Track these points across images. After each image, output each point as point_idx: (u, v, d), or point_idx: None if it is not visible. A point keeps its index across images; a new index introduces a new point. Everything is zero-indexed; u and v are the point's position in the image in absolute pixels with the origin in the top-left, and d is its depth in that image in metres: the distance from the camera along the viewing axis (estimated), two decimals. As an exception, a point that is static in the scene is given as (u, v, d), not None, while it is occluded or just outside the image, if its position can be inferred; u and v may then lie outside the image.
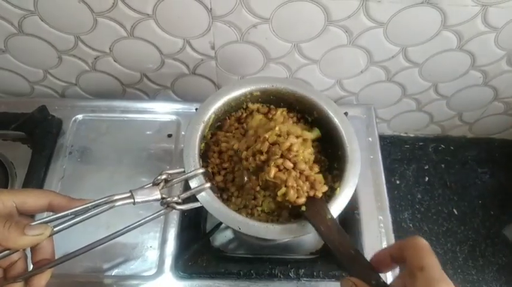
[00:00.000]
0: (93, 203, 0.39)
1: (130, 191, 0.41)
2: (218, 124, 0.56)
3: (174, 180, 0.45)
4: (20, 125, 0.67)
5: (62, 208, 0.38)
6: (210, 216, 0.55)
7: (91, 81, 0.75)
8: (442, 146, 0.90)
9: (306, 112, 0.57)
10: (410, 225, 0.80)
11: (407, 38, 0.64)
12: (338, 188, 0.49)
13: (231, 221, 0.46)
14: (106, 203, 0.39)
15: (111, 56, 0.69)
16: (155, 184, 0.43)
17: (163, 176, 0.44)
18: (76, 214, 0.38)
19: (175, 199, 0.44)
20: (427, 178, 0.86)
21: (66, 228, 0.37)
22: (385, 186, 0.66)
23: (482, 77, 0.73)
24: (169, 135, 0.70)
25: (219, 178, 0.53)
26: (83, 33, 0.64)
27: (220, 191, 0.52)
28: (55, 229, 0.37)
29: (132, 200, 0.40)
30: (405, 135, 0.91)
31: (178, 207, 0.44)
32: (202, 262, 0.57)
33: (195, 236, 0.60)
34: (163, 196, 0.43)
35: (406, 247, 0.35)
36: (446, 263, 0.76)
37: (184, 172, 0.47)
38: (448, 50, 0.66)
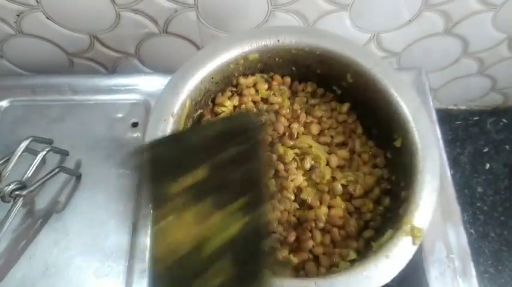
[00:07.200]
0: None
1: None
2: (200, 112, 0.35)
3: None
4: None
5: None
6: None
7: (19, 49, 0.53)
8: (504, 120, 0.70)
9: (332, 80, 0.36)
10: (472, 231, 0.60)
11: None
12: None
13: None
14: None
15: (40, 10, 0.47)
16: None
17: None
18: None
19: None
20: (488, 165, 0.66)
21: None
22: (452, 187, 0.46)
23: None
24: (135, 125, 0.50)
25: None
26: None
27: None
28: None
29: None
30: (455, 108, 0.70)
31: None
32: None
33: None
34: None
35: None
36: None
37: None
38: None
